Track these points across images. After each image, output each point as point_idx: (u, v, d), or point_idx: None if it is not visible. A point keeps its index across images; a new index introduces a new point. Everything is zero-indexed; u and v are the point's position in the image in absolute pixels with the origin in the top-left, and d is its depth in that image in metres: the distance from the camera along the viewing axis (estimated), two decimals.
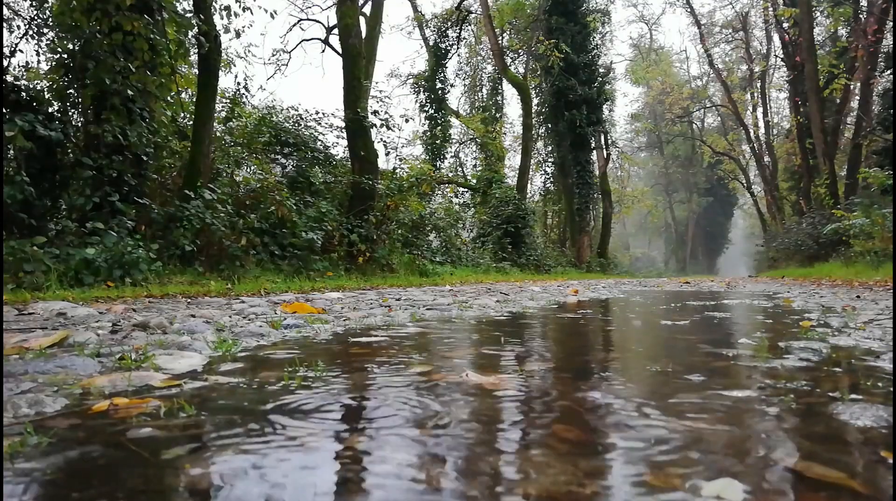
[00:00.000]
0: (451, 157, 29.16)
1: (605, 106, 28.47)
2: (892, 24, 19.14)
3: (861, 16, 21.17)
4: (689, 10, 34.51)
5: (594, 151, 28.86)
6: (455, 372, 1.67)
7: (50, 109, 7.74)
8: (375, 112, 13.01)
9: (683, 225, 55.94)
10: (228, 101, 12.87)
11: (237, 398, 1.35)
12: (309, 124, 13.77)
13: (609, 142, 31.17)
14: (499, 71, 27.22)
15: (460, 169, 29.65)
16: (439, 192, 24.31)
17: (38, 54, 9.17)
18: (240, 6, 9.54)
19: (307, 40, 25.30)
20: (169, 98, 9.52)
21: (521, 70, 29.21)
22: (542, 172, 31.03)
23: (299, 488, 0.80)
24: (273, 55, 22.74)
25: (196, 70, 10.05)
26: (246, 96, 13.26)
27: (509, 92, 31.88)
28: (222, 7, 9.27)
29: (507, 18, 27.38)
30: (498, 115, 29.33)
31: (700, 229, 56.47)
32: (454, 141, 28.88)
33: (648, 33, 47.18)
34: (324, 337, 2.54)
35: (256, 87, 41.88)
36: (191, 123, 10.06)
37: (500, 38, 26.89)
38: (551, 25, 25.16)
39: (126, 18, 7.24)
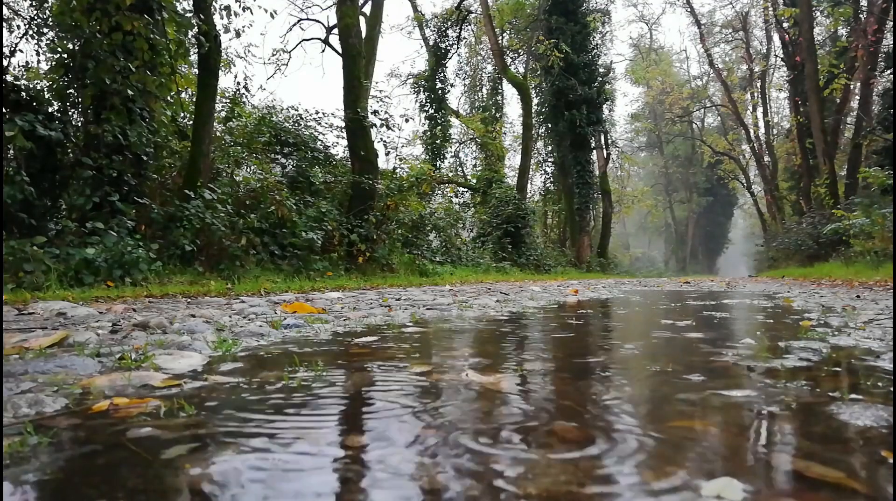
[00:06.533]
0: (451, 157, 29.17)
1: (605, 106, 28.45)
2: (892, 24, 19.13)
3: (861, 16, 21.16)
4: (689, 9, 34.53)
5: (594, 151, 28.85)
6: (455, 372, 1.67)
7: (50, 109, 7.73)
8: (375, 112, 13.01)
9: (683, 225, 55.92)
10: (228, 101, 12.86)
11: (237, 398, 1.35)
12: (309, 124, 13.77)
13: (609, 142, 31.17)
14: (499, 71, 27.21)
15: (460, 169, 29.65)
16: (439, 192, 24.29)
17: (38, 54, 9.18)
18: (240, 6, 9.55)
19: (307, 40, 25.32)
20: (169, 98, 9.52)
21: (521, 70, 29.20)
22: (542, 172, 31.05)
23: (299, 487, 0.80)
24: (273, 55, 22.74)
25: (196, 70, 10.05)
26: (246, 96, 13.26)
27: (509, 92, 31.92)
28: (222, 7, 9.27)
29: (507, 18, 27.37)
30: (498, 115, 29.32)
31: (700, 229, 56.46)
32: (454, 141, 28.87)
33: (648, 33, 47.30)
34: (324, 337, 2.54)
35: (256, 87, 41.82)
36: (191, 123, 10.06)
37: (500, 38, 26.87)
38: (551, 25, 25.15)
39: (126, 18, 7.24)
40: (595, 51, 27.15)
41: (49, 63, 8.57)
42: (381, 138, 13.29)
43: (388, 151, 15.57)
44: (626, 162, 43.51)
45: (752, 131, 35.84)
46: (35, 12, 9.09)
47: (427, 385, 1.50)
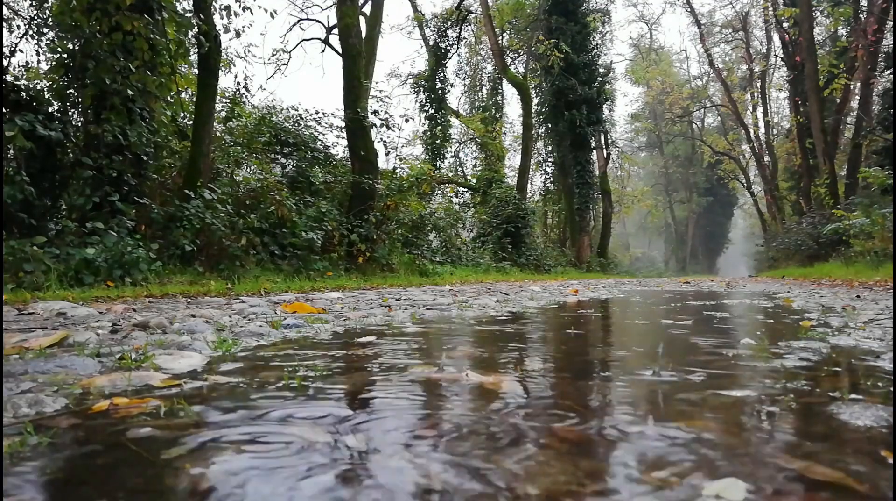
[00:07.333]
0: (451, 157, 29.18)
1: (605, 106, 28.47)
2: (892, 24, 19.13)
3: (861, 16, 21.16)
4: (689, 9, 34.57)
5: (594, 151, 28.87)
6: (455, 372, 1.67)
7: (50, 109, 7.73)
8: (375, 112, 13.01)
9: (683, 225, 55.93)
10: (228, 101, 12.86)
11: (237, 398, 1.35)
12: (309, 124, 13.77)
13: (609, 142, 31.19)
14: (499, 71, 27.22)
15: (460, 169, 29.65)
16: (439, 192, 24.29)
17: (38, 54, 9.17)
18: (240, 6, 9.55)
19: (307, 40, 25.32)
20: (169, 98, 9.52)
21: (521, 70, 29.21)
22: (542, 172, 31.06)
23: (299, 488, 0.80)
24: (273, 55, 22.73)
25: (196, 70, 10.05)
26: (246, 96, 13.26)
27: (509, 92, 31.93)
28: (222, 7, 9.27)
29: (507, 18, 27.37)
30: (498, 115, 29.32)
31: (700, 229, 56.47)
32: (454, 141, 28.87)
33: (648, 33, 47.34)
34: (324, 337, 2.54)
35: (256, 87, 41.80)
36: (191, 123, 10.06)
37: (500, 38, 26.87)
38: (551, 25, 25.16)
39: (126, 18, 7.24)
40: (595, 51, 27.16)
41: (49, 63, 8.57)
42: (381, 138, 13.31)
43: (388, 151, 15.58)
44: (626, 162, 43.52)
45: (752, 131, 35.87)
46: (35, 12, 9.09)
47: (427, 385, 1.50)
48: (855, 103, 24.33)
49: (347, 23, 12.55)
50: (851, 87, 23.08)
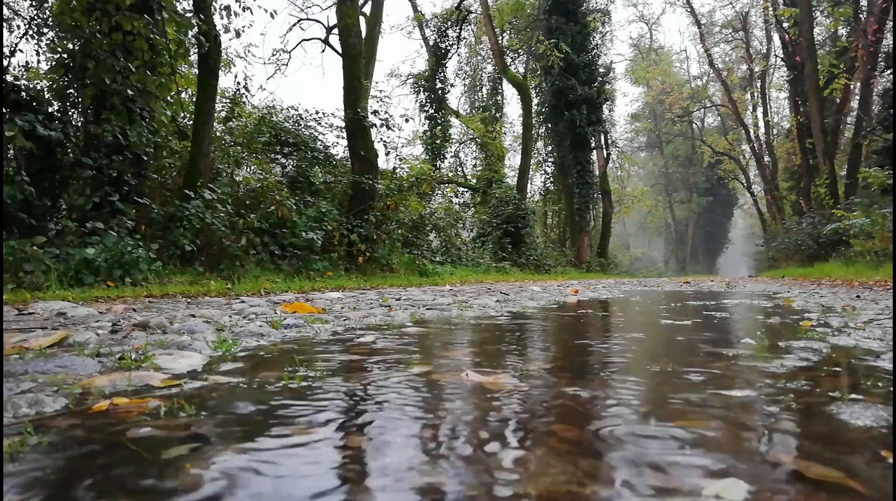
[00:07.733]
0: (451, 157, 29.18)
1: (605, 106, 28.46)
2: (892, 24, 19.13)
3: (861, 16, 21.16)
4: (689, 9, 34.56)
5: (594, 151, 28.87)
6: (455, 372, 1.67)
7: (50, 109, 7.73)
8: (375, 112, 13.02)
9: (683, 225, 55.93)
10: (228, 101, 12.86)
11: (237, 398, 1.35)
12: (309, 124, 13.77)
13: (609, 142, 31.19)
14: (499, 71, 27.22)
15: (460, 169, 29.66)
16: (439, 192, 24.29)
17: (38, 54, 9.18)
18: (240, 6, 9.55)
19: (307, 40, 25.33)
20: (169, 98, 9.52)
21: (521, 70, 29.21)
22: (542, 172, 31.06)
23: (299, 488, 0.80)
24: (273, 55, 22.75)
25: (196, 70, 10.05)
26: (246, 96, 13.26)
27: (509, 92, 31.94)
28: (222, 7, 9.27)
29: (507, 18, 27.38)
30: (498, 115, 29.33)
31: (700, 229, 56.46)
32: (454, 141, 28.88)
33: (648, 33, 47.34)
34: (324, 337, 2.54)
35: (256, 87, 41.78)
36: (191, 123, 10.06)
37: (500, 37, 26.88)
38: (551, 25, 25.16)
39: (126, 18, 7.24)
40: (595, 51, 27.16)
41: (49, 63, 8.57)
42: (381, 138, 13.31)
43: (388, 151, 15.58)
44: (626, 162, 43.53)
45: (752, 131, 35.86)
46: (35, 12, 9.09)
47: (426, 385, 1.50)
48: (855, 103, 24.33)
49: (347, 23, 12.55)
50: (851, 87, 23.08)
